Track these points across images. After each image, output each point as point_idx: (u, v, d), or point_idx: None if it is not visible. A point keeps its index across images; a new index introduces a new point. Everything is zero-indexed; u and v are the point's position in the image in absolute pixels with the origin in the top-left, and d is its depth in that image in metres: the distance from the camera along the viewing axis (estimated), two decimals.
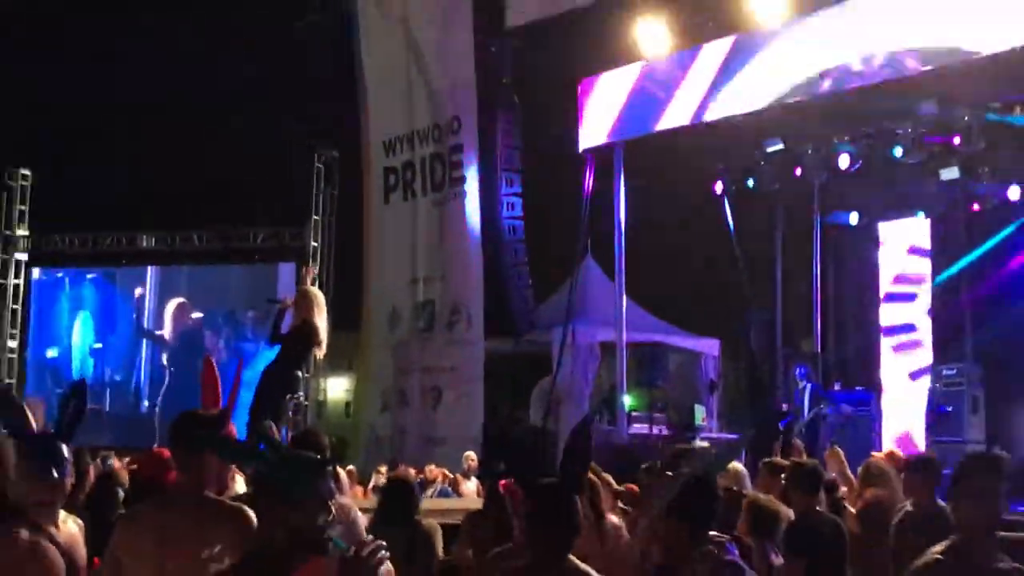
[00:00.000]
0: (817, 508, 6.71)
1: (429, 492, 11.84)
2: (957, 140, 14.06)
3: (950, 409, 14.05)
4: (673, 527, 4.59)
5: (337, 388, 24.55)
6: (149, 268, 22.59)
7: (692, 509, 4.57)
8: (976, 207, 15.79)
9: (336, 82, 17.55)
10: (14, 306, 22.63)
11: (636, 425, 16.01)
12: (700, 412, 16.40)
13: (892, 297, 16.81)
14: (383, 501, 6.43)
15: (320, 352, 10.86)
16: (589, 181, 15.40)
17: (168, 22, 22.82)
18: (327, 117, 19.46)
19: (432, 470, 12.59)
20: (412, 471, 10.93)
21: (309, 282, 11.72)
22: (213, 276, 22.15)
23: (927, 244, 16.53)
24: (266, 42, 20.04)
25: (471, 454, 13.19)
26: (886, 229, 16.89)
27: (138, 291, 22.54)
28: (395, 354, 16.45)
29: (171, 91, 22.73)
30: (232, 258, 21.81)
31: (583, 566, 4.18)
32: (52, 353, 22.87)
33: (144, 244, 22.30)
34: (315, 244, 20.50)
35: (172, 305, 22.37)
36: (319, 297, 10.79)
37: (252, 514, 4.13)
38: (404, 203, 16.38)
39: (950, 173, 14.65)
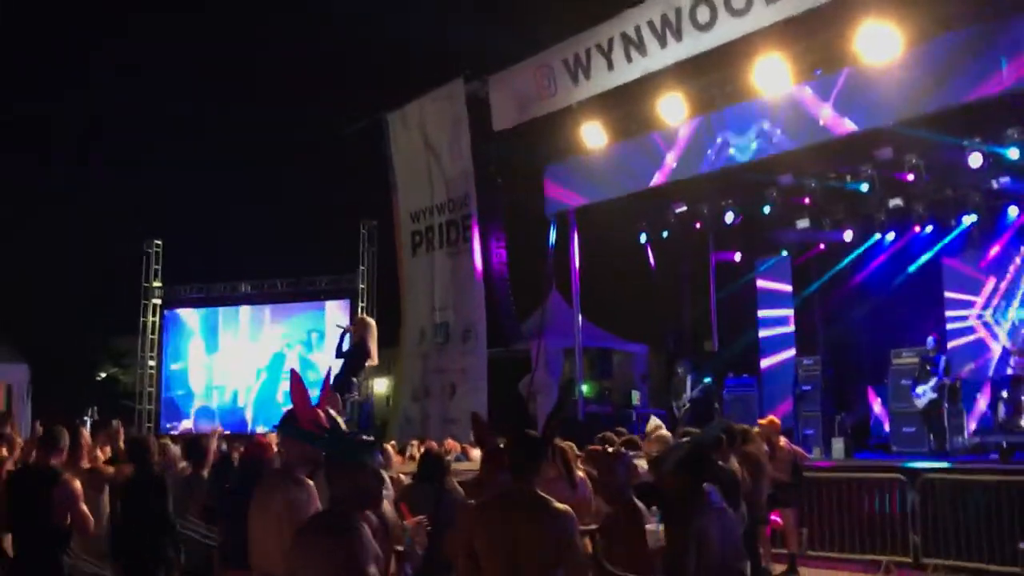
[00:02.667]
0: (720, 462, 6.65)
1: (448, 458, 11.80)
2: (807, 200, 14.22)
3: (809, 388, 14.14)
4: (686, 480, 4.39)
5: (380, 387, 24.52)
6: (242, 307, 22.54)
7: (698, 468, 4.42)
8: (822, 247, 15.93)
9: (376, 172, 17.62)
10: (152, 336, 22.62)
11: (591, 406, 16.08)
12: (635, 396, 16.48)
13: (766, 310, 16.92)
14: (420, 466, 6.21)
15: (373, 363, 10.88)
16: (552, 236, 15.52)
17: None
18: (368, 197, 19.54)
19: (449, 442, 12.61)
20: (435, 444, 10.94)
21: (364, 314, 11.77)
22: (290, 311, 22.14)
23: (789, 273, 16.66)
24: (323, 143, 20.15)
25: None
26: (760, 263, 17.01)
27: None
28: (422, 361, 16.45)
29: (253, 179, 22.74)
30: (303, 298, 21.86)
31: (544, 495, 3.98)
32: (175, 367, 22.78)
33: (242, 290, 22.32)
34: (362, 286, 20.58)
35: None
36: (372, 324, 10.83)
37: None
38: (426, 255, 16.45)
39: (804, 223, 14.79)
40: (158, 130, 23.69)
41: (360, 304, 20.62)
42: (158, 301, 22.63)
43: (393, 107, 17.26)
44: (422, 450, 9.05)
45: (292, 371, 4.44)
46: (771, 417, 10.72)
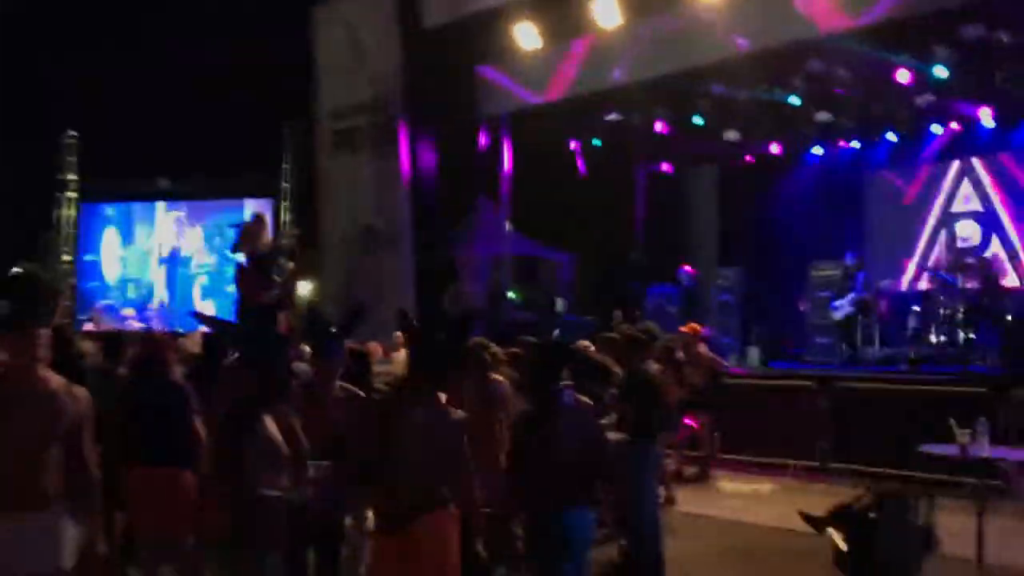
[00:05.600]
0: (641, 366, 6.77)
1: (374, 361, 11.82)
2: (737, 112, 14.29)
3: (728, 298, 14.45)
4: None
5: (303, 289, 24.26)
6: (159, 202, 22.09)
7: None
8: (750, 158, 16.09)
9: (301, 68, 17.10)
10: (70, 231, 22.03)
11: (516, 312, 16.17)
12: (560, 303, 16.63)
13: (692, 221, 17.11)
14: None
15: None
16: (483, 141, 15.36)
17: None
18: (293, 94, 18.99)
19: (372, 345, 12.59)
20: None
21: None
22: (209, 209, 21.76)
23: (716, 185, 16.84)
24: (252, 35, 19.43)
25: (399, 334, 13.16)
26: (689, 174, 17.12)
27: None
28: (346, 264, 16.31)
29: (179, 67, 21.92)
30: (223, 195, 21.43)
31: (445, 403, 4.09)
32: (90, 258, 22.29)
33: (160, 185, 21.80)
34: (285, 185, 20.24)
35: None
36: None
37: None
38: (351, 156, 16.16)
39: (733, 135, 14.88)
40: (77, 20, 22.55)
41: (283, 203, 20.26)
42: (74, 195, 21.93)
43: (319, 1, 16.72)
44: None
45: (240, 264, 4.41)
46: (692, 324, 10.99)
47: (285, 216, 20.48)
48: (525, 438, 4.63)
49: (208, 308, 19.64)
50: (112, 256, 22.22)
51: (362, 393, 5.06)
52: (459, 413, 4.09)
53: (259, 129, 21.07)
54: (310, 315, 5.99)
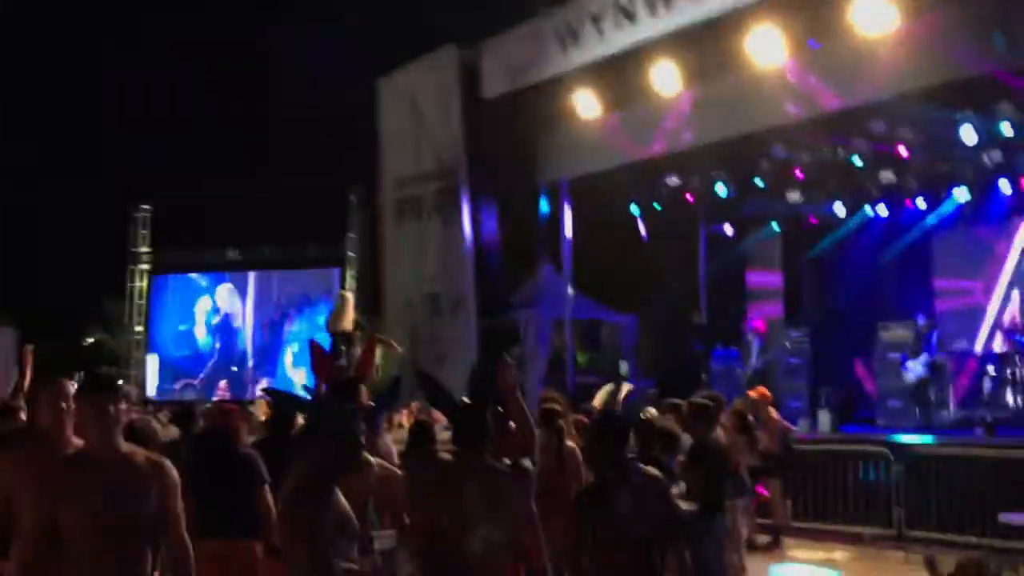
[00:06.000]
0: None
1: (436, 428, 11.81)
2: (799, 173, 14.20)
3: (796, 360, 14.21)
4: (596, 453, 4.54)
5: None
6: (231, 273, 22.56)
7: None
8: (813, 219, 15.94)
9: (366, 139, 17.44)
10: (140, 301, 22.58)
11: (579, 376, 16.09)
12: (623, 366, 16.52)
13: (755, 283, 16.95)
14: (412, 435, 6.23)
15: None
16: (544, 206, 15.48)
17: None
18: (358, 164, 19.36)
19: (438, 413, 12.59)
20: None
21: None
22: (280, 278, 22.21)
23: (779, 246, 16.68)
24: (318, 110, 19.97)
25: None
26: (750, 235, 17.02)
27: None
28: (409, 331, 16.39)
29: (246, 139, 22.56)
30: (291, 265, 21.88)
31: (494, 462, 4.03)
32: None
33: (229, 256, 22.28)
34: (351, 253, 20.54)
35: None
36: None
37: None
38: (414, 223, 16.34)
39: (795, 196, 14.78)
40: (147, 97, 23.42)
41: (349, 272, 20.60)
42: (146, 266, 22.55)
43: (383, 74, 17.09)
44: (409, 420, 9.08)
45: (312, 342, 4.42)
46: (762, 389, 10.82)
47: (350, 284, 20.82)
48: (588, 512, 4.48)
49: (299, 375, 19.94)
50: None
51: (394, 467, 5.01)
52: (525, 468, 4.03)
53: (324, 199, 21.57)
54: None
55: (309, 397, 4.39)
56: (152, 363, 22.28)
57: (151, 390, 21.52)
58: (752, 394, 10.54)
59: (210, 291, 22.65)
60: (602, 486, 4.49)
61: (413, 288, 16.44)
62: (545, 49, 13.82)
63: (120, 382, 3.57)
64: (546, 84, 14.19)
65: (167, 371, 22.23)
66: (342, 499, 3.86)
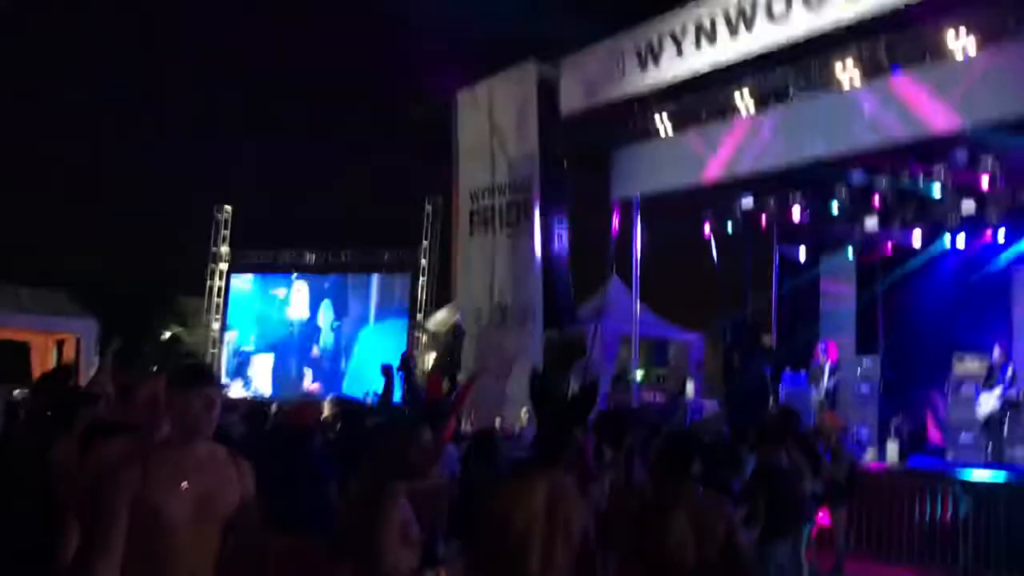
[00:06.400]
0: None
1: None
2: (877, 199, 13.98)
3: (867, 389, 13.97)
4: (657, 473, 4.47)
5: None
6: (305, 275, 22.96)
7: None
8: (889, 248, 15.65)
9: (445, 150, 17.65)
10: (217, 300, 23.12)
11: (644, 393, 16.03)
12: (690, 385, 16.41)
13: (827, 308, 16.71)
14: (475, 445, 6.23)
15: None
16: (615, 221, 15.49)
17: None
18: (436, 174, 19.59)
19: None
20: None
21: None
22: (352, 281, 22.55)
23: (854, 272, 16.41)
24: (397, 123, 20.26)
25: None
26: (824, 261, 16.78)
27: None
28: (477, 341, 16.52)
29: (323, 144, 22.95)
30: (366, 270, 22.21)
31: (564, 475, 4.02)
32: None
33: (307, 260, 22.69)
34: (424, 262, 20.78)
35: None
36: None
37: None
38: (486, 235, 16.49)
39: (872, 223, 14.54)
40: (233, 104, 24.03)
41: (421, 279, 20.83)
42: (224, 266, 23.11)
43: (464, 86, 17.31)
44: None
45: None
46: (832, 414, 10.67)
47: (423, 292, 21.05)
48: (642, 531, 4.36)
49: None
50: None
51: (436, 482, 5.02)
52: (599, 492, 4.01)
53: (400, 207, 21.90)
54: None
55: (378, 403, 4.48)
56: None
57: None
58: (825, 419, 10.40)
59: (287, 292, 23.11)
60: (659, 505, 4.36)
61: (483, 298, 16.59)
62: (624, 67, 13.87)
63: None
64: (623, 101, 14.24)
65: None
66: (406, 505, 3.88)
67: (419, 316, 20.91)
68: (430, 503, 4.67)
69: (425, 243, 20.80)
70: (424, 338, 21.36)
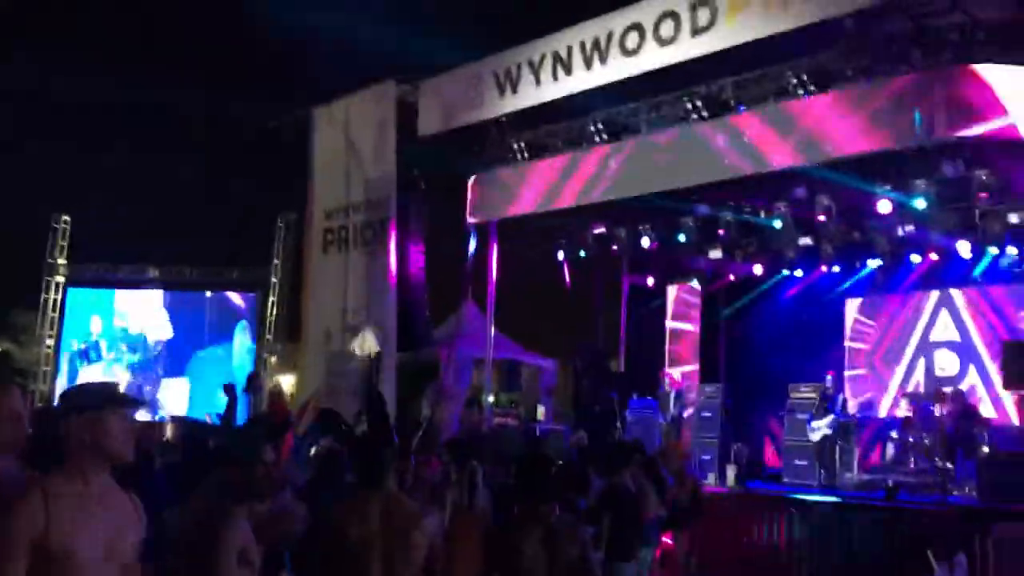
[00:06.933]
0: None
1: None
2: (721, 231, 14.45)
3: (708, 415, 14.34)
4: (516, 493, 4.49)
5: (286, 383, 24.05)
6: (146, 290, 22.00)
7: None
8: (732, 278, 16.20)
9: (298, 166, 17.25)
10: (52, 314, 21.84)
11: (497, 417, 16.01)
12: (541, 409, 16.50)
13: (673, 336, 17.15)
14: (319, 466, 6.02)
15: None
16: (471, 245, 15.48)
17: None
18: (288, 191, 19.15)
19: None
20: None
21: None
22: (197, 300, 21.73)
23: (698, 301, 16.91)
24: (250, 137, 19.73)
25: None
26: (671, 289, 17.24)
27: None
28: (326, 363, 16.14)
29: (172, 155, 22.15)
30: (212, 288, 21.46)
31: (400, 494, 4.00)
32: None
33: (150, 275, 21.71)
34: (274, 280, 20.24)
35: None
36: None
37: None
38: (339, 254, 16.14)
39: (716, 253, 15.00)
40: (83, 111, 22.87)
41: (271, 298, 20.27)
42: (61, 279, 21.84)
43: (320, 103, 16.98)
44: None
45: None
46: (679, 441, 10.88)
47: (271, 310, 20.46)
48: (496, 550, 4.43)
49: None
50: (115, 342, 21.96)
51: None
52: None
53: (251, 223, 21.29)
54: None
55: (219, 423, 4.32)
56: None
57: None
58: (668, 444, 10.60)
59: (123, 307, 22.07)
60: (515, 524, 4.43)
61: (334, 319, 16.22)
62: (482, 92, 13.89)
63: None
64: (481, 126, 14.27)
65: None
66: (246, 527, 3.75)
67: (268, 336, 20.30)
68: (275, 525, 4.48)
69: (276, 261, 20.25)
70: (273, 358, 20.75)
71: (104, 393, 2.96)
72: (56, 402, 2.95)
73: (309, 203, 16.97)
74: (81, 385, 3.12)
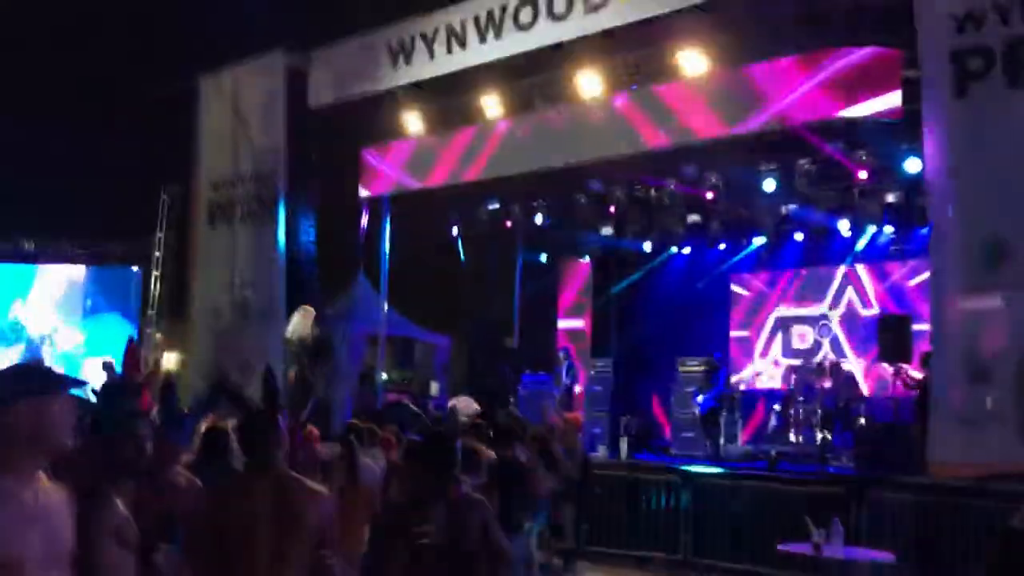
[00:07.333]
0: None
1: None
2: (612, 208, 14.58)
3: (599, 388, 14.53)
4: (419, 470, 4.44)
5: (169, 362, 23.32)
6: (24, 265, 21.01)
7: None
8: (623, 254, 16.41)
9: (184, 137, 16.64)
10: None
11: (390, 395, 15.89)
12: (435, 386, 16.45)
13: (566, 312, 17.30)
14: (204, 443, 5.83)
15: None
16: (364, 220, 15.24)
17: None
18: (173, 162, 18.45)
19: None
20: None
21: None
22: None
23: (590, 277, 17.08)
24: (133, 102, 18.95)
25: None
26: (564, 265, 17.37)
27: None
28: (215, 338, 15.70)
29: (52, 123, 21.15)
30: (93, 261, 20.63)
31: (290, 472, 3.89)
32: None
33: (26, 247, 20.71)
34: (158, 254, 19.59)
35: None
36: None
37: None
38: (227, 228, 15.66)
39: (608, 230, 15.16)
40: None
41: (154, 273, 19.59)
42: None
43: (208, 72, 16.40)
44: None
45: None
46: (574, 414, 10.99)
47: (156, 285, 19.77)
48: (399, 528, 4.40)
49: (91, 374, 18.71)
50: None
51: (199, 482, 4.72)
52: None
53: (134, 195, 20.46)
54: (163, 392, 5.68)
55: (95, 398, 4.14)
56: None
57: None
58: (567, 417, 10.70)
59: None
60: (419, 502, 4.43)
61: (222, 294, 15.77)
62: (375, 63, 13.64)
63: None
64: (372, 98, 14.01)
65: None
66: (121, 505, 3.60)
67: (150, 312, 19.61)
68: (160, 502, 4.32)
69: (160, 234, 19.53)
70: (157, 335, 20.09)
71: (43, 375, 2.67)
72: None
73: (195, 175, 16.43)
74: (12, 368, 2.74)
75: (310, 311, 12.59)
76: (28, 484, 2.51)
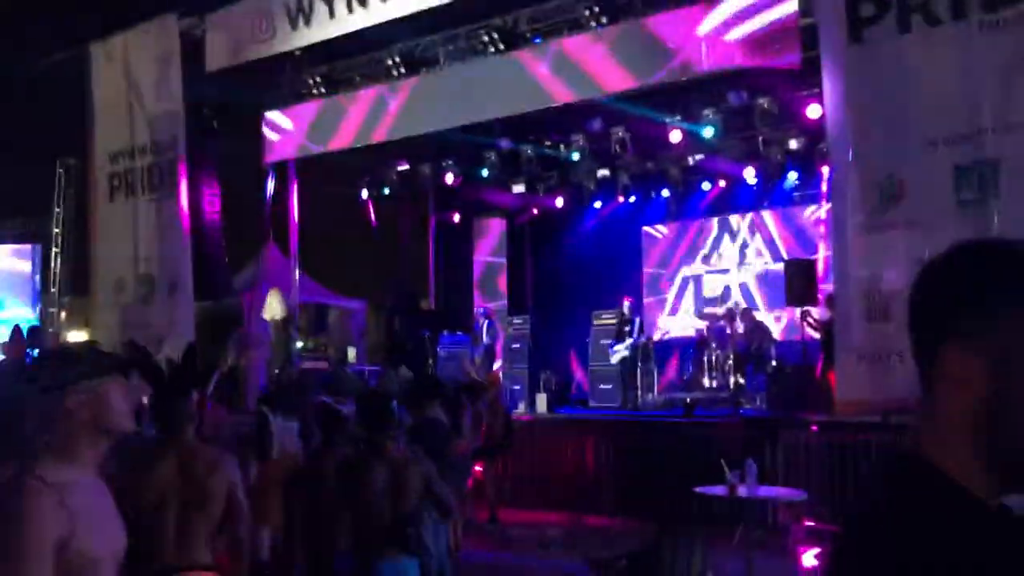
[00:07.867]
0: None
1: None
2: (523, 166, 14.56)
3: (518, 345, 14.57)
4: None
5: (77, 338, 22.63)
6: None
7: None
8: (535, 211, 16.42)
9: (76, 108, 15.97)
10: None
11: (306, 362, 15.68)
12: (352, 351, 16.29)
13: (480, 270, 17.29)
14: None
15: None
16: (270, 185, 14.92)
17: None
18: (68, 134, 17.75)
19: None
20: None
21: None
22: None
23: (504, 236, 17.08)
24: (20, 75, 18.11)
25: None
26: (477, 224, 17.32)
27: None
28: (121, 314, 15.25)
29: None
30: None
31: (198, 442, 3.91)
32: None
33: None
34: (57, 231, 18.90)
35: None
36: None
37: None
38: (126, 200, 15.14)
39: (519, 188, 15.14)
40: None
41: (54, 250, 18.90)
42: None
43: (97, 38, 15.73)
44: None
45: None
46: (495, 373, 10.99)
47: (55, 263, 19.10)
48: (341, 488, 4.56)
49: None
50: None
51: None
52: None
53: (28, 171, 19.64)
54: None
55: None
56: None
57: None
58: (490, 376, 10.71)
59: None
60: (358, 462, 4.59)
61: (126, 269, 15.29)
62: (274, 24, 13.25)
63: None
64: (272, 60, 13.64)
65: None
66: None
67: (52, 290, 18.95)
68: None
69: (57, 210, 18.84)
70: (61, 313, 19.45)
71: (99, 358, 2.50)
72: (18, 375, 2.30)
73: (91, 147, 15.82)
74: (60, 351, 2.58)
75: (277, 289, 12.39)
76: (91, 474, 2.42)
